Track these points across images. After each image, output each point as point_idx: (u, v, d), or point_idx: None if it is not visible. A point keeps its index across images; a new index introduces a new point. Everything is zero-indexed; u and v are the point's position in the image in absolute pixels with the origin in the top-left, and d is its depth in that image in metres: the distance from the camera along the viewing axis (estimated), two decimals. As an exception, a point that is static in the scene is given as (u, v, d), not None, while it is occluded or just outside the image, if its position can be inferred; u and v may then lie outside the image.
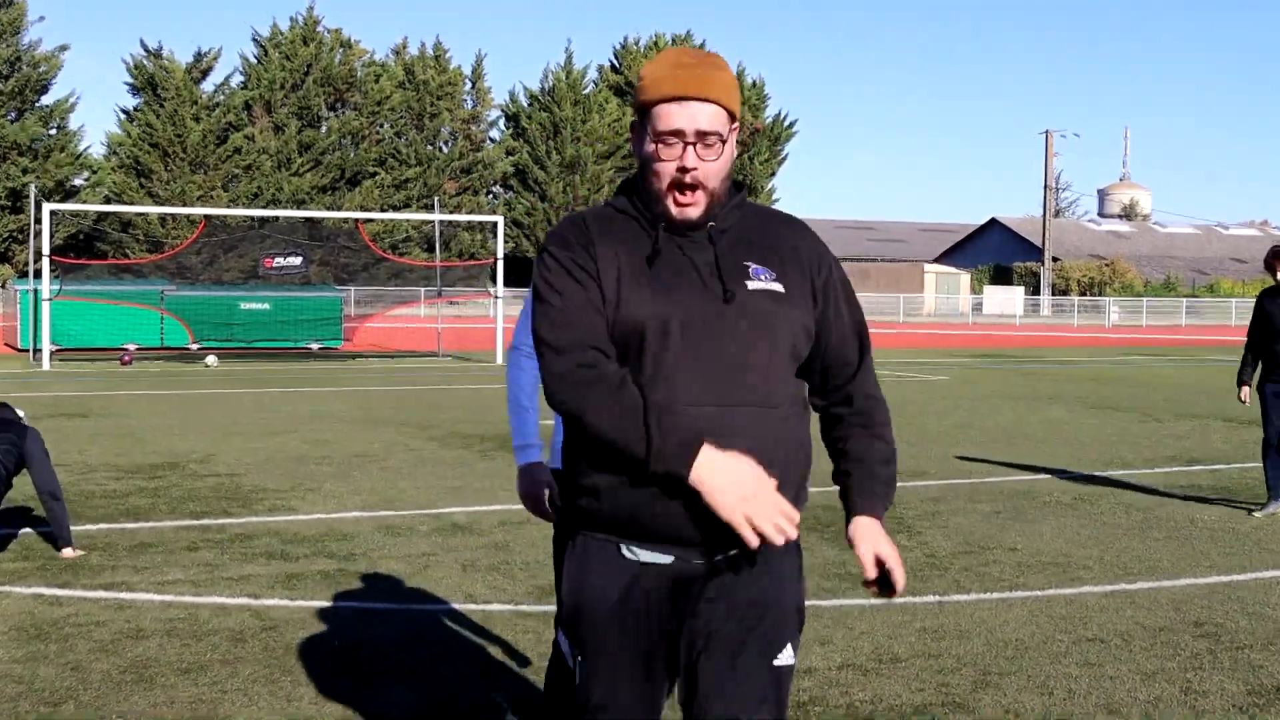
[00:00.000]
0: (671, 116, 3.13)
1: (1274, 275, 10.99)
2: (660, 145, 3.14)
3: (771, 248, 3.28)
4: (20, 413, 9.27)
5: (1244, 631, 7.58)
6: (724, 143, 3.19)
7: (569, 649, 3.28)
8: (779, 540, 2.95)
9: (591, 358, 3.06)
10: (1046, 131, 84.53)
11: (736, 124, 3.31)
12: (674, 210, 3.17)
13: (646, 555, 3.15)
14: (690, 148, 3.13)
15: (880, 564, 3.16)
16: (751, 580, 3.18)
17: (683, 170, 3.13)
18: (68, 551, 8.92)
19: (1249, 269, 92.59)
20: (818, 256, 3.34)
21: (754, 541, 2.93)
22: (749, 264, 3.20)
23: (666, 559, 3.14)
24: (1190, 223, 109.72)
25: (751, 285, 3.16)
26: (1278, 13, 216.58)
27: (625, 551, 3.16)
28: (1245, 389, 11.56)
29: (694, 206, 3.18)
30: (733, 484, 2.93)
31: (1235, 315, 76.20)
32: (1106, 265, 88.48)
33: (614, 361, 3.09)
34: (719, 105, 3.18)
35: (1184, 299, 77.57)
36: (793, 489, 3.11)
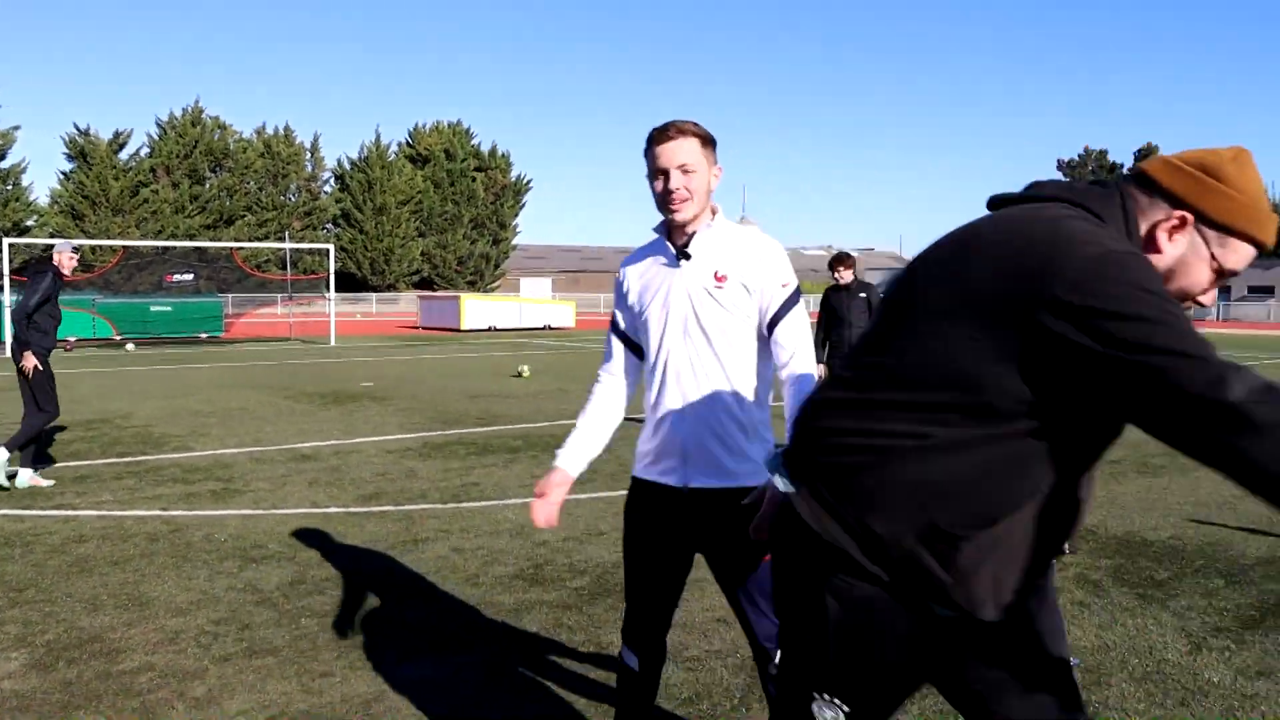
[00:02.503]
0: None
1: (834, 276, 10.04)
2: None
3: None
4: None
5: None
6: None
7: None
8: None
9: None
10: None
11: None
12: None
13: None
14: None
15: None
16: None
17: None
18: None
19: (819, 277, 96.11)
20: None
21: None
22: None
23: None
24: (786, 246, 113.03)
25: None
26: (849, 98, 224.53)
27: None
28: (820, 367, 10.09)
29: None
30: None
31: (812, 305, 78.92)
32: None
33: None
34: None
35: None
36: None
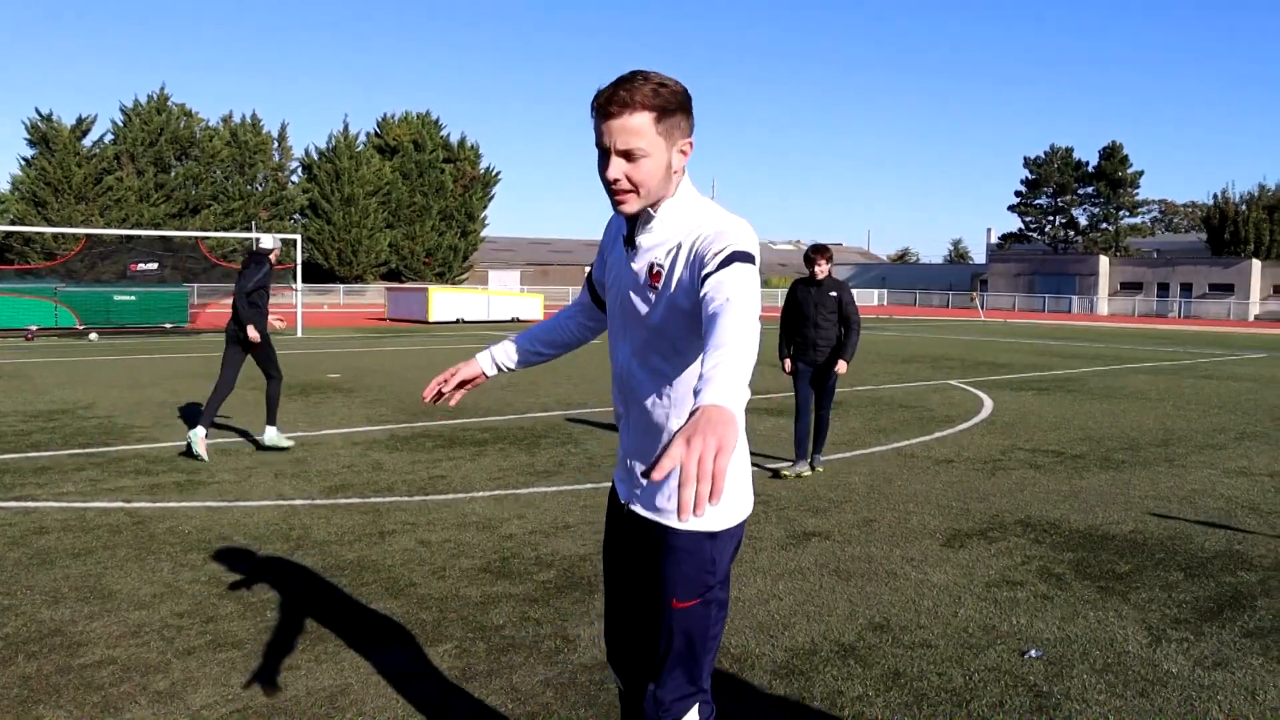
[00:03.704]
0: None
1: (810, 269, 8.84)
2: None
3: None
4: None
5: (786, 499, 7.92)
6: None
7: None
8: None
9: None
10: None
11: None
12: None
13: None
14: None
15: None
16: None
17: None
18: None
19: (788, 270, 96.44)
20: None
21: None
22: None
23: None
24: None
25: None
26: (819, 93, 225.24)
27: None
28: (788, 361, 9.04)
29: None
30: None
31: (778, 299, 79.28)
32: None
33: None
34: None
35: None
36: None
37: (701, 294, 2.30)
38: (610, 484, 2.90)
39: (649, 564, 2.67)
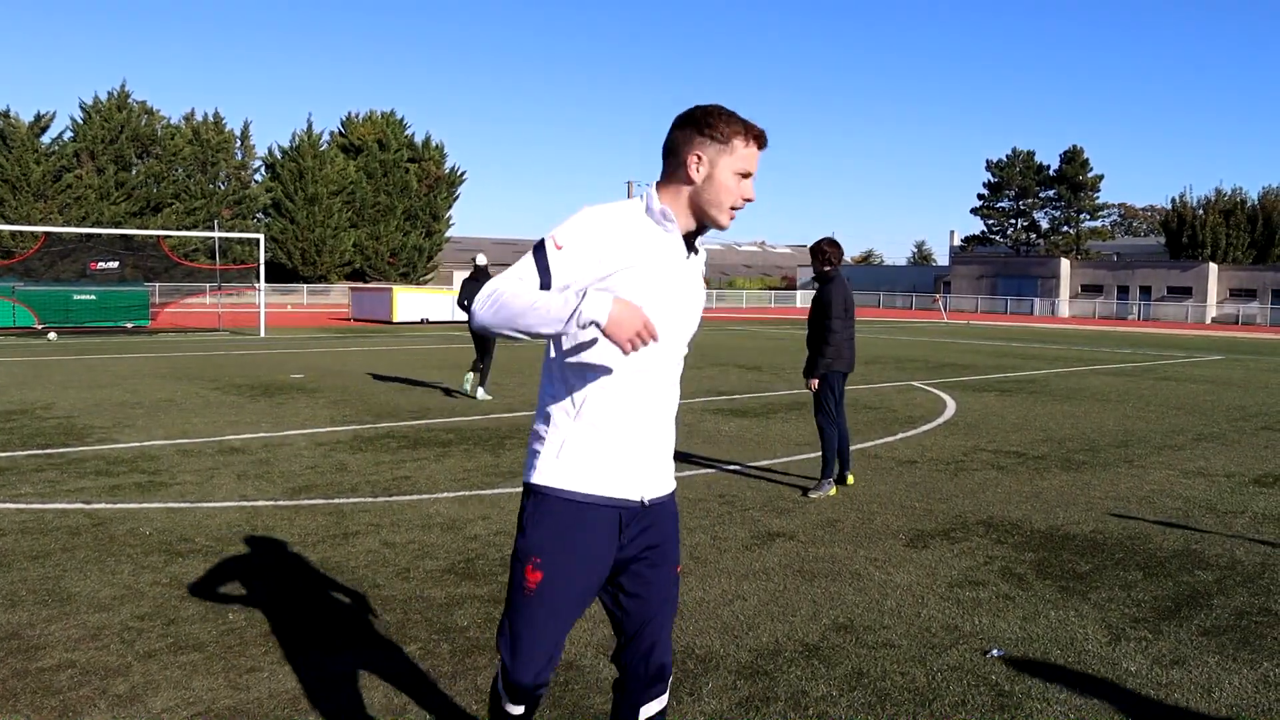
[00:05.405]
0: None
1: (827, 268, 8.06)
2: None
3: None
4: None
5: (749, 499, 7.95)
6: None
7: None
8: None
9: None
10: (629, 181, 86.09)
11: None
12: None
13: None
14: None
15: None
16: None
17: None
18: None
19: (753, 272, 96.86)
20: None
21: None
22: None
23: None
24: (717, 242, 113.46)
25: None
26: (782, 95, 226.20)
27: None
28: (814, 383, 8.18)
29: None
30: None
31: (744, 301, 79.57)
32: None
33: None
34: None
35: (714, 290, 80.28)
36: None
37: None
38: (573, 503, 2.73)
39: (665, 546, 2.87)
